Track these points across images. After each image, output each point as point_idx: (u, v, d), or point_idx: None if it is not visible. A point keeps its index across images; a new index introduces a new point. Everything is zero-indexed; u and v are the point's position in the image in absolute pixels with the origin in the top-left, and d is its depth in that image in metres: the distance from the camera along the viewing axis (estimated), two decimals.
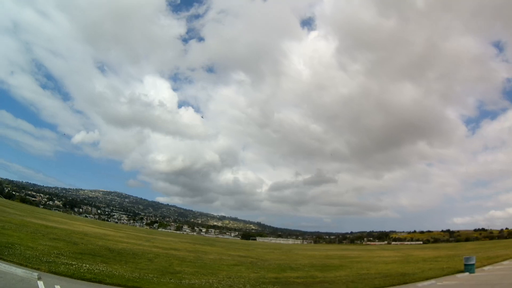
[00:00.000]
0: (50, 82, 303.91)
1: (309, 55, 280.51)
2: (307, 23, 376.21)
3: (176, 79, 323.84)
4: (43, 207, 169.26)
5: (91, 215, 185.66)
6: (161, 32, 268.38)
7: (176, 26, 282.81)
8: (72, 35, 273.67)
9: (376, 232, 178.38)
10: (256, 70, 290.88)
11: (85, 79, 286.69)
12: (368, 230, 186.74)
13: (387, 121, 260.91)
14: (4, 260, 13.52)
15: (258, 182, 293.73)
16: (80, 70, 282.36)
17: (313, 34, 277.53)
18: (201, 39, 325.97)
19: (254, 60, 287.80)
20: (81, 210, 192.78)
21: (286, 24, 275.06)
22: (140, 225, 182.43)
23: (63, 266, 14.95)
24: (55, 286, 11.85)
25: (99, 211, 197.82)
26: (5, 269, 12.38)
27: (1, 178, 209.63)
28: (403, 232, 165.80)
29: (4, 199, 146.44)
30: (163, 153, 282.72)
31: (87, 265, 16.21)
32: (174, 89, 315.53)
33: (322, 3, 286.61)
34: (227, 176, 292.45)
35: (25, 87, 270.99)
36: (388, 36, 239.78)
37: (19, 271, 12.52)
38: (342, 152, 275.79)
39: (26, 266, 13.33)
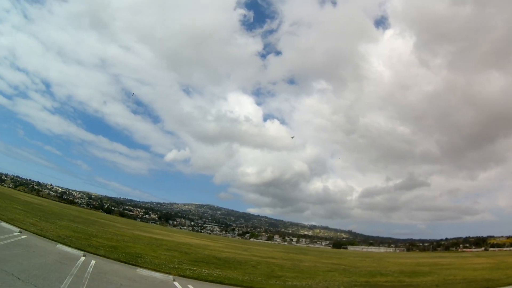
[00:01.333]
0: (140, 108, 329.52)
1: (388, 55, 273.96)
2: (381, 22, 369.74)
3: (259, 94, 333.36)
4: (140, 220, 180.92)
5: (185, 227, 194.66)
6: (239, 51, 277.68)
7: (252, 43, 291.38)
8: (156, 63, 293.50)
9: (472, 238, 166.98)
10: (337, 77, 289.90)
11: (172, 102, 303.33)
12: (464, 235, 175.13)
13: (478, 116, 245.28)
14: (140, 267, 16.00)
15: (348, 189, 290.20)
16: (167, 95, 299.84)
17: (388, 33, 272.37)
18: (278, 52, 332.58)
19: (333, 67, 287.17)
20: (175, 222, 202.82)
21: (359, 26, 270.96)
22: (232, 236, 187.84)
23: (187, 271, 17.08)
24: (188, 285, 13.98)
25: (192, 223, 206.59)
26: (145, 274, 14.64)
27: (102, 195, 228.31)
28: (502, 236, 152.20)
29: (105, 213, 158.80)
30: (252, 166, 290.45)
31: (206, 270, 18.34)
32: (258, 104, 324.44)
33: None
34: (316, 185, 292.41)
35: (118, 114, 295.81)
36: (466, 24, 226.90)
37: (157, 275, 14.70)
38: (432, 153, 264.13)
39: (159, 271, 15.68)
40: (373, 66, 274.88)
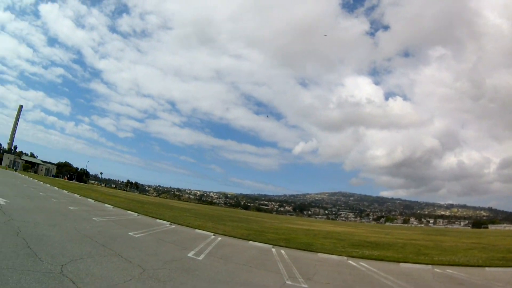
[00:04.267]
0: (261, 108, 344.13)
1: (503, 4, 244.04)
2: None
3: (375, 73, 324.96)
4: (275, 213, 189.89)
5: (319, 216, 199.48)
6: (346, 34, 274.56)
7: (357, 24, 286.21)
8: (268, 64, 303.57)
9: None
10: (452, 40, 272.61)
11: (291, 96, 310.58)
12: None
13: None
14: (319, 252, 20.34)
15: (484, 161, 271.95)
16: (285, 91, 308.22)
17: None
18: (386, 27, 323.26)
19: (446, 30, 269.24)
20: (309, 212, 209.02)
21: None
22: (367, 221, 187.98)
23: (353, 252, 20.46)
24: (359, 262, 17.47)
25: (326, 212, 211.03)
26: (323, 257, 18.64)
27: (237, 193, 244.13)
28: None
29: (244, 210, 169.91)
30: (381, 148, 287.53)
31: (366, 251, 21.88)
32: (376, 83, 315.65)
33: None
34: (450, 160, 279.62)
35: (242, 118, 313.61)
36: None
37: (334, 257, 18.40)
38: None
39: (332, 254, 19.85)
40: (489, 20, 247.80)
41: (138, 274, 9.45)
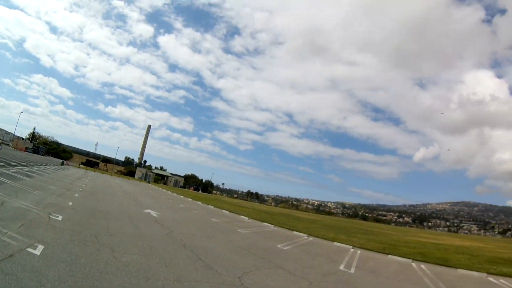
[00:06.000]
0: (379, 114, 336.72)
1: None
2: None
3: (497, 65, 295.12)
4: (394, 224, 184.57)
5: (440, 228, 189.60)
6: (461, 26, 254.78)
7: (471, 12, 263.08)
8: (382, 67, 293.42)
9: None
10: None
11: (409, 99, 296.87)
12: None
13: None
14: (457, 267, 21.43)
15: None
16: (402, 94, 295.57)
17: None
18: (502, 11, 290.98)
19: None
20: (430, 224, 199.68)
21: None
22: (492, 235, 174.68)
23: (492, 269, 20.27)
24: (500, 280, 17.78)
25: (447, 223, 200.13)
26: (463, 273, 19.35)
27: (355, 203, 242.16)
28: None
29: (362, 220, 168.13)
30: (509, 150, 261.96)
31: (504, 269, 21.43)
32: (499, 77, 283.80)
33: None
34: None
35: (359, 125, 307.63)
36: None
37: (473, 273, 19.12)
38: None
39: (471, 270, 20.24)
40: None
41: (306, 286, 10.99)
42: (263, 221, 34.64)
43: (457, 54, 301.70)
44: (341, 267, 15.79)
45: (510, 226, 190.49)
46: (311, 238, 26.76)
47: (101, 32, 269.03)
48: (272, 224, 33.12)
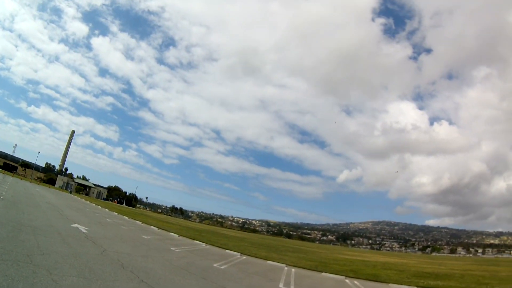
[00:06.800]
0: (306, 137, 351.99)
1: None
2: None
3: (419, 98, 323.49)
4: (318, 242, 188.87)
5: (363, 246, 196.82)
6: (389, 60, 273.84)
7: (400, 49, 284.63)
8: (311, 92, 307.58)
9: None
10: (496, 58, 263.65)
11: (335, 124, 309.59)
12: None
13: None
14: (388, 283, 21.78)
15: None
16: (329, 118, 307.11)
17: None
18: (428, 50, 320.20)
19: (489, 48, 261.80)
20: (353, 242, 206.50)
21: None
22: (412, 251, 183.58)
23: (421, 283, 21.17)
24: None
25: (370, 241, 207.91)
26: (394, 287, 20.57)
27: (279, 222, 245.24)
28: None
29: (287, 238, 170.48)
30: (427, 175, 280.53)
31: (431, 282, 22.63)
32: (420, 108, 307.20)
33: None
34: (499, 185, 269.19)
35: (286, 146, 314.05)
36: None
37: (404, 287, 19.81)
38: None
39: (402, 284, 20.88)
40: None
41: None
42: (194, 239, 33.78)
43: (383, 86, 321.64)
44: (281, 286, 15.65)
45: (429, 243, 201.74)
46: (244, 257, 26.19)
47: (34, 24, 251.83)
48: (202, 242, 32.28)
